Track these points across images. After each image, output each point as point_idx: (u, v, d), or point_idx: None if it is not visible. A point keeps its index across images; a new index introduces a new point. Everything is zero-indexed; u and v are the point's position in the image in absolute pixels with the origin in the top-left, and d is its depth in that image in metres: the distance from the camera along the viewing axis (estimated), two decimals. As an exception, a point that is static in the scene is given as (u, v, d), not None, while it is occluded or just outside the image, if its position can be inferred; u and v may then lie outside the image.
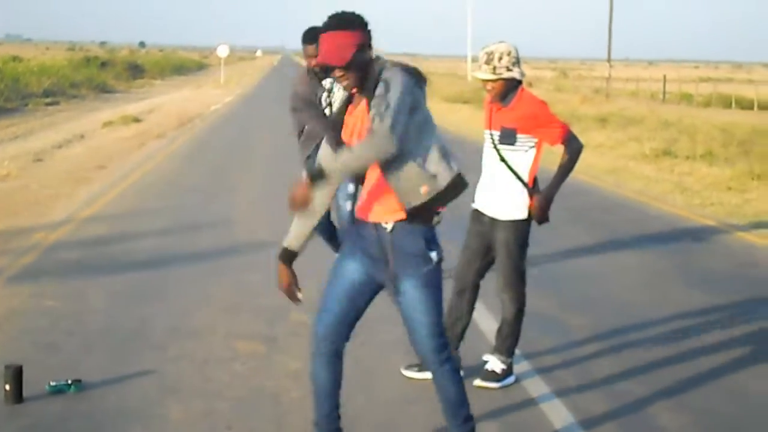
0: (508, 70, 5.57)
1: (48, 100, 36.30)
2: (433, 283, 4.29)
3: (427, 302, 4.28)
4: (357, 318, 4.47)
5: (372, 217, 4.29)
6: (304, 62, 7.57)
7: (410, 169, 4.15)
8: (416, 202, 4.17)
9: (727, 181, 15.85)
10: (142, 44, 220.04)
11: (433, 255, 4.26)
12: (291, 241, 4.41)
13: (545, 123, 5.64)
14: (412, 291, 4.26)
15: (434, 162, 4.18)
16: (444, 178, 4.18)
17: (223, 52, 58.98)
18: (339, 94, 6.73)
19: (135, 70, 64.73)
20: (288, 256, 4.41)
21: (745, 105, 44.06)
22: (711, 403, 5.66)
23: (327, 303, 4.42)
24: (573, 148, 5.70)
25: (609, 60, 46.85)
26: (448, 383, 4.45)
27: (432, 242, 4.27)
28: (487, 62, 5.60)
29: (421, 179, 4.15)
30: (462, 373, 5.79)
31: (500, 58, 5.57)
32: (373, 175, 4.26)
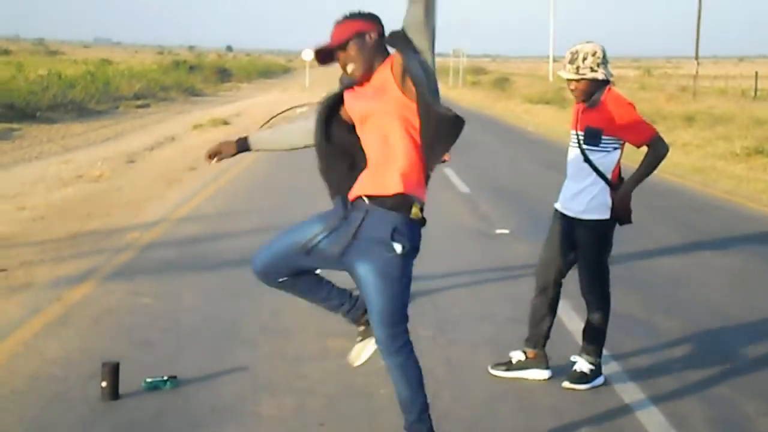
0: (592, 70, 5.56)
1: (139, 102, 37.02)
2: (392, 273, 4.16)
3: (382, 290, 4.16)
4: (292, 271, 4.41)
5: (360, 191, 4.25)
6: None
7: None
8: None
9: (823, 180, 15.54)
10: (229, 48, 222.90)
11: (397, 246, 4.15)
12: (254, 138, 4.70)
13: (630, 124, 5.60)
14: (368, 276, 4.18)
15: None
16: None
17: (307, 56, 59.33)
18: None
19: (222, 74, 65.66)
20: (241, 144, 4.72)
21: (841, 102, 42.87)
22: (805, 406, 5.57)
23: (273, 243, 4.42)
24: (658, 151, 5.61)
25: (696, 57, 45.95)
26: (400, 373, 4.29)
27: (401, 234, 4.17)
28: (571, 62, 5.60)
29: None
30: (550, 373, 5.87)
31: (584, 59, 5.56)
32: (380, 150, 4.21)
